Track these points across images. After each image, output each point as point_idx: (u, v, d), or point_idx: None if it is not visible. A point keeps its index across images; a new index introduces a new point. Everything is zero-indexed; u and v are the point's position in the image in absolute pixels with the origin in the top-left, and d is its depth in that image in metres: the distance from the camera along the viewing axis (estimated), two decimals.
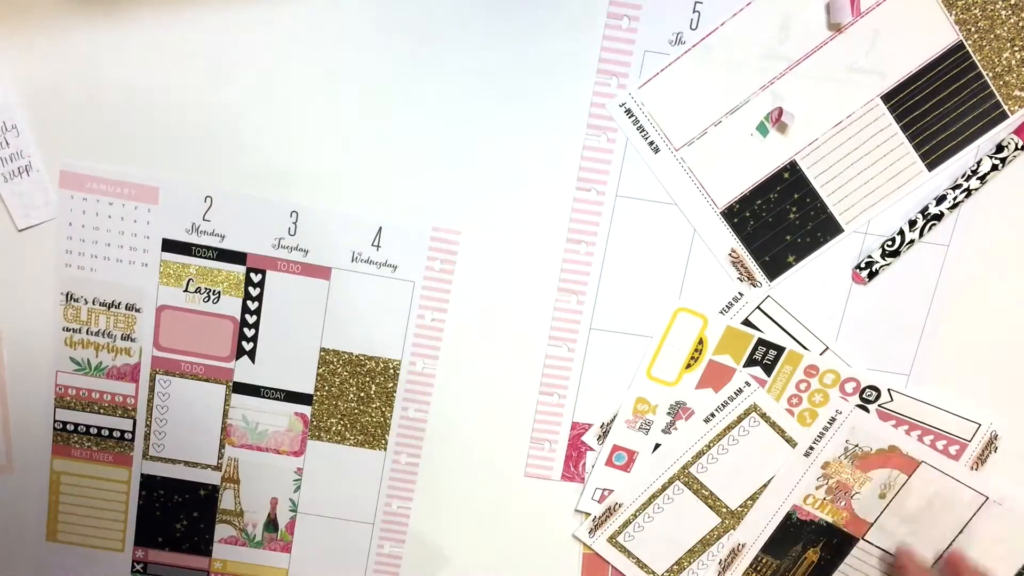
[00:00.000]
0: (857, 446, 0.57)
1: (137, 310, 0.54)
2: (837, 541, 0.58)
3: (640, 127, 0.52)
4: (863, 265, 0.53)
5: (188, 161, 0.52)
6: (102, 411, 0.56)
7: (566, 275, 0.54)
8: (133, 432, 0.56)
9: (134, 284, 0.54)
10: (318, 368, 0.55)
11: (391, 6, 0.49)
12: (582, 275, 0.54)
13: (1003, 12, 0.50)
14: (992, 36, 0.50)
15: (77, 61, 0.50)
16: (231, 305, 0.54)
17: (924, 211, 0.53)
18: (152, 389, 0.56)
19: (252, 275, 0.53)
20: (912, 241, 0.53)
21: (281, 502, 0.58)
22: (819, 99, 0.51)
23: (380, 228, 0.53)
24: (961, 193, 0.52)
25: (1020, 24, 0.50)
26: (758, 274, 0.54)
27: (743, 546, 0.58)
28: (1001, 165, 0.52)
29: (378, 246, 0.53)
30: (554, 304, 0.55)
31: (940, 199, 0.52)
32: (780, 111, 0.51)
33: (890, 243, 0.53)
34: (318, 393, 0.56)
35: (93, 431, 0.56)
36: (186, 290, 0.54)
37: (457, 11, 0.50)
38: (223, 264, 0.53)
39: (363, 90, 0.51)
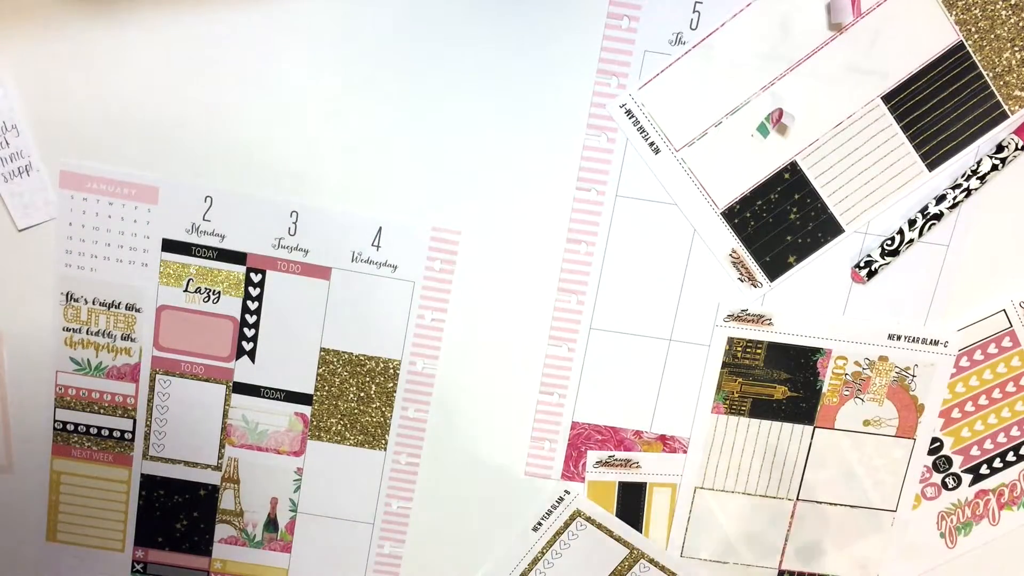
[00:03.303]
0: (913, 377, 0.55)
1: (137, 310, 0.54)
2: (804, 407, 0.56)
3: (640, 128, 0.52)
4: (862, 264, 0.53)
5: (188, 161, 0.52)
6: (102, 411, 0.56)
7: (566, 275, 0.54)
8: (133, 432, 0.56)
9: (134, 284, 0.54)
10: (318, 368, 0.55)
11: (390, 6, 0.49)
12: (582, 275, 0.54)
13: (1003, 12, 0.50)
14: (992, 36, 0.50)
15: (78, 61, 0.50)
16: (231, 305, 0.54)
17: (924, 211, 0.53)
18: (152, 389, 0.56)
19: (252, 275, 0.53)
20: (912, 240, 0.53)
21: (281, 502, 0.58)
22: (819, 100, 0.51)
23: (380, 228, 0.53)
24: (961, 193, 0.52)
25: (1020, 24, 0.50)
26: (759, 274, 0.54)
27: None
28: (1001, 165, 0.52)
29: (378, 246, 0.53)
30: (554, 304, 0.55)
31: (940, 199, 0.52)
32: (780, 112, 0.51)
33: (889, 242, 0.53)
34: (318, 393, 0.56)
35: (93, 431, 0.56)
36: (186, 290, 0.54)
37: (457, 11, 0.50)
38: (223, 264, 0.53)
39: (362, 90, 0.51)
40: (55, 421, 0.56)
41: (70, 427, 0.56)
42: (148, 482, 0.57)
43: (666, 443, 0.57)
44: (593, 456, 0.57)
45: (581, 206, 0.53)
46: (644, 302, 0.55)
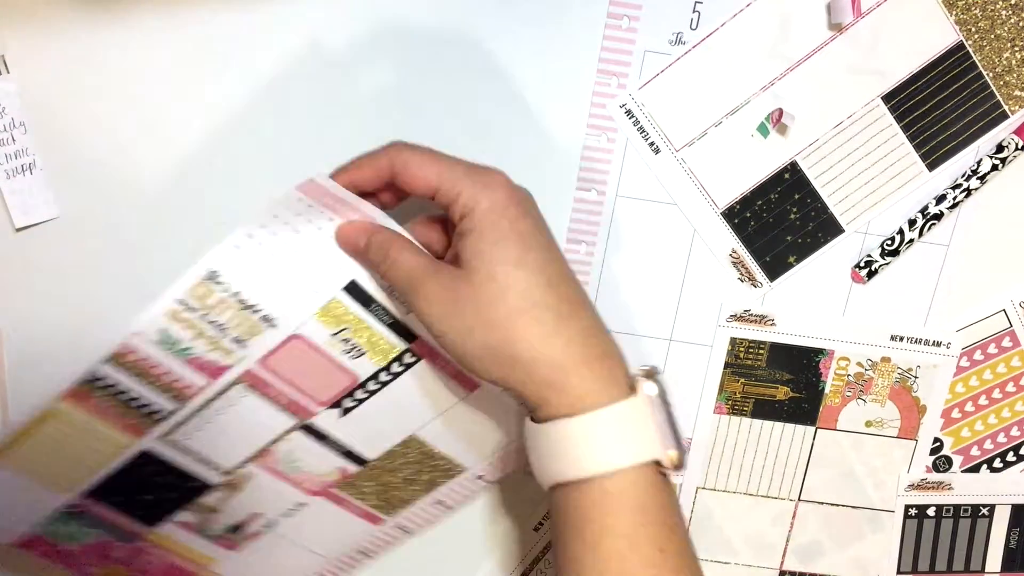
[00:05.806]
0: (915, 379, 0.56)
1: (273, 326, 0.48)
2: (806, 408, 0.56)
3: (640, 128, 0.52)
4: (862, 264, 0.53)
5: None
6: (153, 385, 0.49)
7: None
8: (170, 414, 0.50)
9: (289, 300, 0.47)
10: (395, 446, 0.53)
11: (391, 5, 0.49)
12: (582, 275, 0.54)
13: (1003, 12, 0.50)
14: (992, 36, 0.50)
15: (88, 61, 0.50)
16: (365, 366, 0.49)
17: (924, 211, 0.53)
18: (222, 393, 0.50)
19: (406, 356, 0.50)
20: (912, 240, 0.53)
21: (262, 518, 0.55)
22: (819, 99, 0.51)
23: None
24: (961, 193, 0.52)
25: (1020, 24, 0.50)
26: (759, 274, 0.54)
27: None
28: (1001, 165, 0.52)
29: None
30: None
31: (940, 199, 0.52)
32: (780, 112, 0.51)
33: (889, 242, 0.53)
34: (373, 461, 0.54)
35: (127, 397, 0.49)
36: (334, 335, 0.48)
37: (456, 11, 0.49)
38: (389, 333, 0.49)
39: (357, 88, 0.51)
40: (96, 373, 0.48)
41: (108, 384, 0.48)
42: (144, 457, 0.51)
43: None
44: None
45: (581, 206, 0.53)
46: (644, 302, 0.55)
